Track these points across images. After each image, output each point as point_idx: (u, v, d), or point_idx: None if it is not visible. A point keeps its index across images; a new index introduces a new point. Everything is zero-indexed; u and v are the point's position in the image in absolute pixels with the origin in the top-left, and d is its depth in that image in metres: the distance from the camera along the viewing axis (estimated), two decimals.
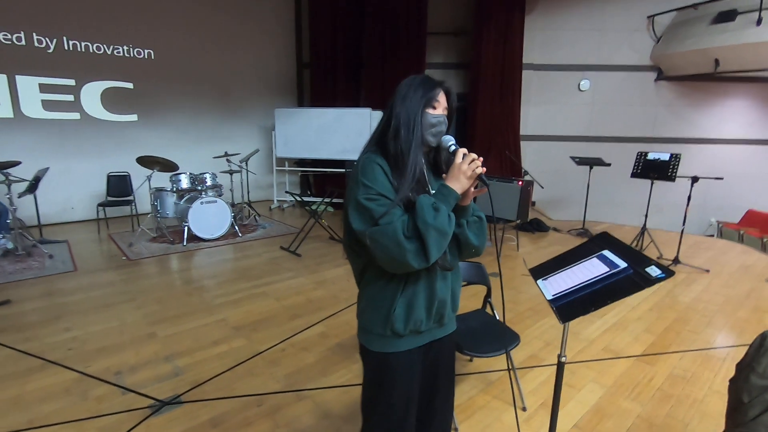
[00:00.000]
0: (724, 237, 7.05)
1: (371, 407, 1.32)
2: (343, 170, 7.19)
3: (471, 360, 2.72)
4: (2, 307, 3.38)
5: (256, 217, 6.54)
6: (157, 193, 5.40)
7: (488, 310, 2.51)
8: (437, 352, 1.33)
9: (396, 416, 1.28)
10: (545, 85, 7.82)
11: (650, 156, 5.05)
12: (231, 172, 6.20)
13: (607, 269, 1.23)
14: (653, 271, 1.11)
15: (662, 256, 5.05)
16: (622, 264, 1.20)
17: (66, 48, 5.94)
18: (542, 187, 6.64)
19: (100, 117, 6.34)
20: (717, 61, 6.52)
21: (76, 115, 6.15)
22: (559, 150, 7.82)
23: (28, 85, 5.74)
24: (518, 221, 5.38)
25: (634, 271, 1.16)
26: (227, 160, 6.16)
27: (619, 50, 7.56)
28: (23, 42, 5.63)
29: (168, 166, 5.33)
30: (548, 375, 2.61)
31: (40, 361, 2.63)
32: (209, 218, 5.35)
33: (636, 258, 1.21)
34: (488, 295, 2.48)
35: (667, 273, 1.09)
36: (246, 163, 6.53)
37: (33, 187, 4.72)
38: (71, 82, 6.04)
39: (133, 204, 5.94)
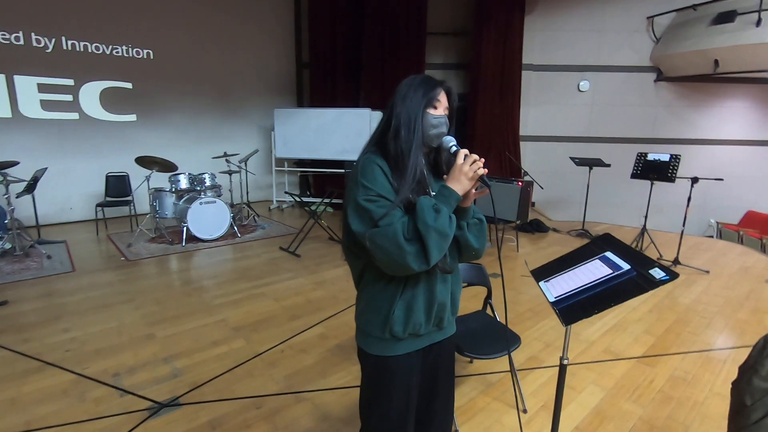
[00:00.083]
0: (724, 238, 7.06)
1: (369, 410, 1.31)
2: (343, 170, 7.18)
3: (471, 361, 2.71)
4: (0, 308, 3.37)
5: (256, 218, 6.52)
6: (156, 193, 5.39)
7: (488, 311, 2.50)
8: (437, 355, 1.32)
9: (394, 419, 1.26)
10: (545, 85, 7.82)
11: (650, 157, 5.05)
12: (230, 173, 6.18)
13: (610, 271, 1.22)
14: (657, 273, 1.10)
15: (662, 257, 5.05)
16: (625, 266, 1.19)
17: (65, 48, 5.92)
18: (542, 188, 6.63)
19: (98, 117, 6.32)
20: (716, 62, 6.52)
21: (74, 115, 6.13)
22: (558, 150, 7.81)
23: (27, 85, 5.72)
24: (518, 222, 5.36)
25: (638, 274, 1.15)
26: (226, 160, 6.14)
27: (618, 51, 7.56)
28: (21, 42, 5.61)
29: (167, 167, 5.32)
30: (548, 377, 2.60)
31: (38, 363, 2.62)
32: (208, 219, 5.34)
33: (639, 260, 1.20)
34: (489, 296, 2.47)
35: (671, 275, 1.08)
36: (245, 164, 6.52)
37: (31, 187, 4.70)
38: (70, 82, 6.02)
39: (132, 204, 5.92)
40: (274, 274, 4.30)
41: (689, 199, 4.61)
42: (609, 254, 1.30)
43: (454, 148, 1.19)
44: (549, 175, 7.63)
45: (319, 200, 5.80)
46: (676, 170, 4.76)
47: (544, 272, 1.45)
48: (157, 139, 6.80)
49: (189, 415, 2.17)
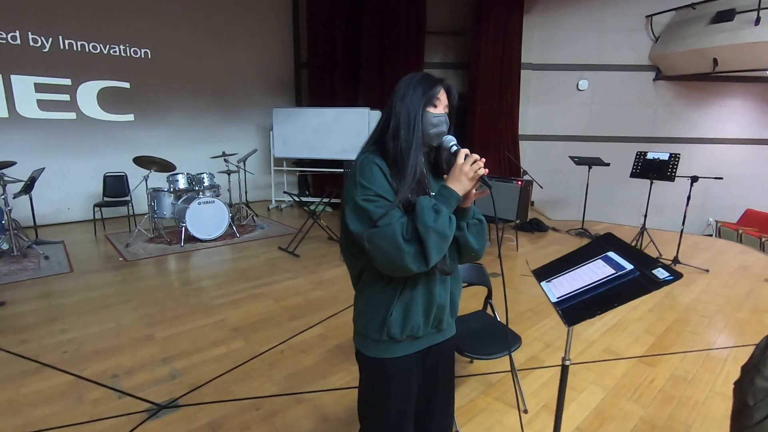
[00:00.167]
0: (723, 237, 7.06)
1: (368, 412, 1.30)
2: (342, 170, 7.16)
3: (471, 362, 2.70)
4: None
5: (254, 218, 6.50)
6: (154, 193, 5.37)
7: (489, 311, 2.49)
8: (436, 357, 1.30)
9: (393, 421, 1.25)
10: (544, 84, 7.82)
11: (649, 156, 5.04)
12: (229, 173, 6.17)
13: (613, 271, 1.21)
14: (660, 273, 1.09)
15: (662, 256, 5.04)
16: (628, 266, 1.18)
17: (62, 47, 5.89)
18: (541, 187, 6.62)
19: (96, 117, 6.30)
20: (715, 61, 6.52)
21: (72, 115, 6.10)
22: (557, 150, 7.81)
23: (24, 84, 5.69)
24: (517, 221, 5.36)
25: (641, 274, 1.14)
26: (225, 160, 6.12)
27: (617, 50, 7.56)
28: (18, 41, 5.58)
29: (165, 167, 5.29)
30: (549, 377, 2.59)
31: (35, 364, 2.60)
32: (207, 219, 5.32)
33: (642, 260, 1.19)
34: (489, 296, 2.46)
35: (675, 275, 1.07)
36: (244, 163, 6.50)
37: (28, 187, 4.68)
38: (67, 81, 5.99)
39: (130, 204, 5.90)
40: (273, 274, 4.28)
41: (689, 197, 4.60)
42: (611, 254, 1.29)
43: (454, 148, 1.17)
44: (548, 174, 7.63)
45: (318, 200, 5.78)
46: (676, 169, 4.76)
47: (545, 272, 1.44)
48: (155, 139, 6.77)
49: (188, 416, 2.16)
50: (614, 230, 5.80)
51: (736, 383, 1.31)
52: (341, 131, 7.11)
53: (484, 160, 1.14)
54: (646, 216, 5.31)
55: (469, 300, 2.81)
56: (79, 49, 6.02)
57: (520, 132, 7.78)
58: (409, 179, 1.11)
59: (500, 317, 2.42)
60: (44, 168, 4.99)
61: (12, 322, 3.15)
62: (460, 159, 1.13)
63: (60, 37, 5.85)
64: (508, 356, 2.25)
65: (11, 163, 4.71)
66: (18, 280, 3.96)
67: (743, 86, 7.54)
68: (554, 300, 1.27)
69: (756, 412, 1.23)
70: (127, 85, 6.48)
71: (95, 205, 5.74)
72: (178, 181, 5.42)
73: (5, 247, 4.61)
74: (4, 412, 2.16)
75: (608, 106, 7.77)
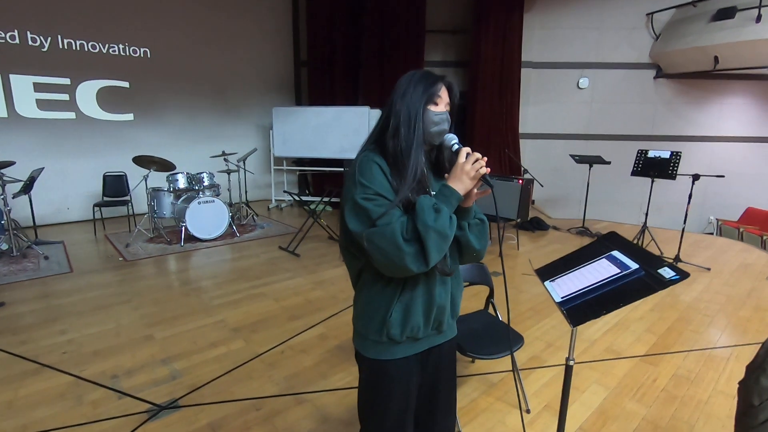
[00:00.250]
0: (724, 235, 7.04)
1: (367, 413, 1.29)
2: (342, 169, 7.15)
3: (473, 361, 2.68)
4: None
5: (254, 217, 6.49)
6: (154, 193, 5.35)
7: (490, 310, 2.48)
8: (436, 359, 1.29)
9: (392, 423, 1.24)
10: (544, 83, 7.80)
11: (650, 154, 5.03)
12: (228, 172, 6.15)
13: (618, 270, 1.19)
14: (666, 272, 1.08)
15: (663, 255, 5.03)
16: (634, 265, 1.17)
17: (61, 46, 5.87)
18: (542, 186, 6.61)
19: (95, 116, 6.28)
20: (716, 59, 6.50)
21: (71, 115, 6.08)
22: (558, 148, 7.80)
23: (23, 84, 5.67)
24: (518, 220, 5.34)
25: (646, 273, 1.13)
26: (225, 159, 6.11)
27: (618, 48, 7.54)
28: (17, 40, 5.56)
29: (165, 166, 5.28)
30: (551, 376, 2.58)
31: (35, 365, 2.59)
32: (207, 218, 5.30)
33: (647, 259, 1.18)
34: (491, 295, 2.45)
35: (682, 275, 1.05)
36: (244, 163, 6.48)
37: (28, 187, 4.66)
38: (66, 81, 5.98)
39: (130, 204, 5.88)
40: (273, 274, 4.27)
41: (690, 196, 4.58)
42: (616, 253, 1.28)
43: (456, 146, 1.15)
44: (548, 172, 7.61)
45: (318, 199, 5.76)
46: (677, 167, 4.74)
47: (549, 271, 1.42)
48: (154, 139, 6.76)
49: (188, 417, 2.14)
50: (615, 229, 5.78)
51: (740, 383, 1.30)
52: (341, 130, 7.09)
53: (485, 158, 1.12)
54: (647, 214, 5.29)
55: (471, 299, 2.80)
56: (78, 48, 6.00)
57: (521, 131, 7.76)
58: (409, 178, 1.10)
59: (502, 317, 2.40)
60: (43, 168, 4.98)
61: (11, 322, 3.14)
62: (462, 157, 1.11)
63: (59, 37, 5.83)
64: (509, 356, 2.23)
65: (10, 163, 4.69)
66: (17, 281, 3.95)
67: (744, 84, 7.52)
68: (558, 300, 1.25)
69: (761, 412, 1.21)
70: (126, 84, 6.46)
71: (95, 205, 5.73)
72: (177, 180, 5.40)
73: (5, 247, 4.60)
74: (3, 413, 2.15)
75: (609, 105, 7.75)
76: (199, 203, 5.18)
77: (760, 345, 1.27)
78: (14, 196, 4.63)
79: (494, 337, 2.19)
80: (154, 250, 4.94)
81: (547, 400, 2.34)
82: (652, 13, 7.24)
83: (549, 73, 7.75)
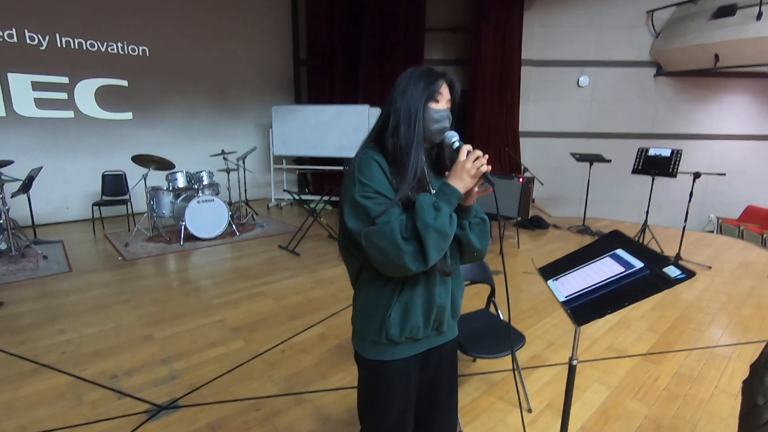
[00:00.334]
0: (724, 233, 7.03)
1: (367, 413, 1.28)
2: (342, 168, 7.13)
3: (474, 360, 2.67)
4: None
5: (254, 216, 6.47)
6: (153, 192, 5.33)
7: (492, 309, 2.47)
8: (437, 360, 1.27)
9: (392, 424, 1.23)
10: (544, 81, 7.78)
11: (651, 152, 5.01)
12: (228, 171, 6.13)
13: (623, 269, 1.18)
14: (672, 271, 1.06)
15: (663, 254, 5.02)
16: (638, 264, 1.15)
17: (59, 45, 5.84)
18: (542, 184, 6.60)
19: (94, 115, 6.25)
20: (717, 57, 6.48)
21: (70, 114, 6.06)
22: (558, 146, 7.78)
23: (21, 82, 5.65)
24: (519, 218, 5.33)
25: (651, 272, 1.11)
26: (224, 158, 6.09)
27: (618, 46, 7.52)
28: (15, 39, 5.53)
29: (164, 165, 5.26)
30: (552, 375, 2.57)
31: (34, 365, 2.57)
32: (206, 217, 5.28)
33: (652, 257, 1.16)
34: (492, 294, 2.44)
35: (688, 274, 1.04)
36: (243, 162, 6.46)
37: (26, 186, 4.64)
38: (65, 79, 5.95)
39: (129, 203, 5.87)
40: (273, 273, 4.26)
41: (691, 194, 4.57)
42: (620, 251, 1.26)
43: (456, 144, 1.13)
44: (548, 171, 7.60)
45: (318, 198, 5.75)
46: (678, 165, 4.73)
47: (552, 270, 1.41)
48: (153, 137, 6.73)
49: (188, 417, 2.13)
50: (615, 227, 5.77)
51: (744, 382, 1.28)
52: (341, 129, 7.07)
53: (487, 156, 1.10)
54: (647, 213, 5.28)
55: (472, 298, 2.78)
56: (77, 46, 5.97)
57: (521, 129, 7.75)
58: (409, 177, 1.08)
59: (503, 315, 2.39)
60: (42, 167, 4.95)
61: (10, 322, 3.12)
62: (462, 155, 1.09)
63: (57, 35, 5.81)
64: (510, 355, 2.22)
65: (8, 162, 4.68)
66: (16, 280, 3.93)
67: (744, 82, 7.50)
68: (562, 299, 1.24)
69: (765, 411, 1.20)
70: (125, 83, 6.44)
71: (94, 204, 5.71)
72: (177, 179, 5.38)
73: (3, 246, 4.58)
74: (2, 413, 2.14)
75: (609, 103, 7.74)
76: (198, 202, 5.17)
77: (764, 344, 1.26)
78: (13, 196, 4.61)
79: (495, 336, 2.18)
80: (154, 250, 4.93)
81: (548, 400, 2.33)
82: (653, 10, 7.22)
83: (549, 72, 7.73)
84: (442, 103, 1.15)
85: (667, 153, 4.85)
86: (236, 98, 7.69)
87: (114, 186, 6.05)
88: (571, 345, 1.32)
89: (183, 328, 3.07)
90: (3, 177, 4.41)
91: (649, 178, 5.01)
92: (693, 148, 7.55)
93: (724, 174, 4.87)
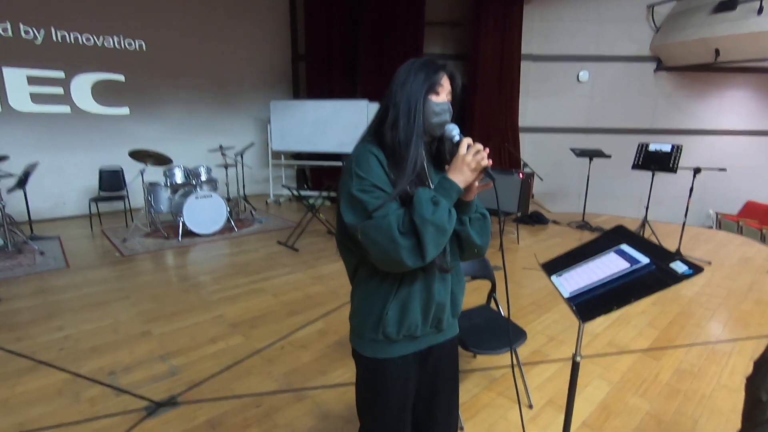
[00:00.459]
0: (723, 228, 7.04)
1: (365, 411, 1.27)
2: (341, 163, 7.09)
3: (475, 356, 2.66)
4: None
5: (253, 212, 6.44)
6: (151, 187, 5.30)
7: (492, 305, 2.45)
8: (436, 358, 1.25)
9: (390, 422, 1.21)
10: (544, 76, 7.74)
11: (651, 147, 5.00)
12: (226, 166, 6.10)
13: (628, 265, 1.16)
14: (679, 267, 1.04)
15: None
16: (644, 259, 1.13)
17: (54, 39, 5.78)
18: (542, 180, 6.58)
19: (90, 110, 6.20)
20: (717, 51, 6.45)
21: (66, 108, 6.00)
22: (557, 142, 7.75)
23: (16, 77, 5.59)
24: (518, 214, 5.32)
25: (658, 267, 1.09)
26: (222, 153, 6.05)
27: (618, 41, 7.48)
28: (10, 33, 5.46)
29: (161, 160, 5.21)
30: (553, 371, 2.56)
31: (31, 362, 2.55)
32: (204, 213, 5.25)
33: (658, 253, 1.15)
34: (493, 289, 2.42)
35: (695, 269, 1.02)
36: (241, 157, 6.42)
37: (22, 182, 4.60)
38: (60, 74, 5.89)
39: (126, 199, 5.83)
40: (272, 269, 4.23)
41: (691, 189, 4.56)
42: (625, 247, 1.24)
43: (457, 138, 1.10)
44: (548, 166, 7.57)
45: (316, 193, 5.73)
46: (678, 161, 4.71)
47: (555, 266, 1.39)
48: (151, 133, 6.68)
49: (187, 414, 2.12)
50: (615, 222, 5.76)
51: (747, 378, 1.27)
52: (340, 124, 7.03)
53: (488, 150, 1.07)
54: (647, 208, 5.27)
55: (473, 294, 2.78)
56: (72, 40, 5.91)
57: (520, 124, 7.72)
58: (408, 171, 1.06)
59: (504, 311, 2.38)
60: (38, 162, 4.90)
61: (7, 319, 3.10)
62: (463, 149, 1.06)
63: (52, 29, 5.74)
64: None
65: (4, 158, 4.63)
66: (13, 277, 3.90)
67: (744, 77, 7.48)
68: (567, 295, 1.22)
69: None
70: (121, 77, 6.38)
71: (91, 200, 5.67)
72: (174, 174, 5.35)
73: (0, 243, 4.55)
74: None
75: (609, 98, 7.71)
76: (196, 198, 5.13)
77: (766, 340, 1.24)
78: (9, 191, 4.57)
79: (496, 331, 2.17)
80: (152, 246, 4.90)
81: (549, 395, 2.32)
82: (653, 5, 7.18)
83: (549, 66, 7.69)
84: (442, 96, 1.13)
85: (667, 148, 4.84)
86: (234, 93, 7.63)
87: (111, 182, 6.01)
88: (572, 340, 1.31)
89: (181, 325, 3.06)
90: None
91: (649, 173, 5.00)
92: (693, 143, 7.52)
93: (724, 169, 4.86)
